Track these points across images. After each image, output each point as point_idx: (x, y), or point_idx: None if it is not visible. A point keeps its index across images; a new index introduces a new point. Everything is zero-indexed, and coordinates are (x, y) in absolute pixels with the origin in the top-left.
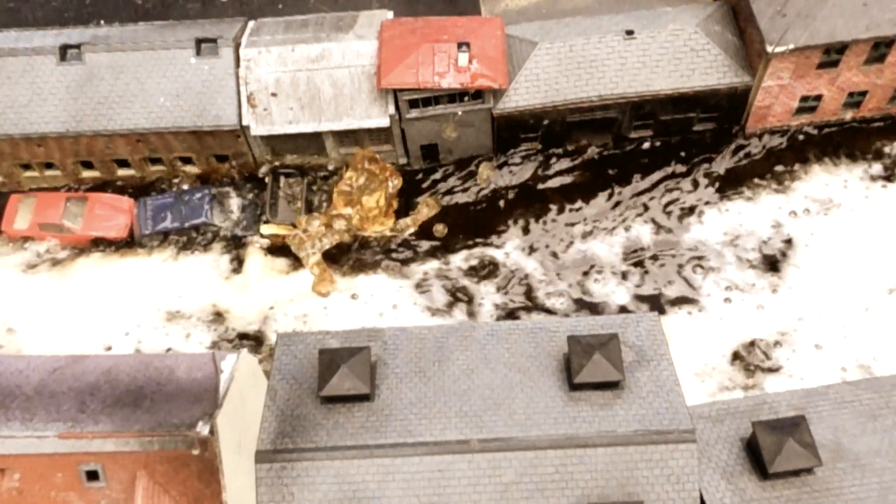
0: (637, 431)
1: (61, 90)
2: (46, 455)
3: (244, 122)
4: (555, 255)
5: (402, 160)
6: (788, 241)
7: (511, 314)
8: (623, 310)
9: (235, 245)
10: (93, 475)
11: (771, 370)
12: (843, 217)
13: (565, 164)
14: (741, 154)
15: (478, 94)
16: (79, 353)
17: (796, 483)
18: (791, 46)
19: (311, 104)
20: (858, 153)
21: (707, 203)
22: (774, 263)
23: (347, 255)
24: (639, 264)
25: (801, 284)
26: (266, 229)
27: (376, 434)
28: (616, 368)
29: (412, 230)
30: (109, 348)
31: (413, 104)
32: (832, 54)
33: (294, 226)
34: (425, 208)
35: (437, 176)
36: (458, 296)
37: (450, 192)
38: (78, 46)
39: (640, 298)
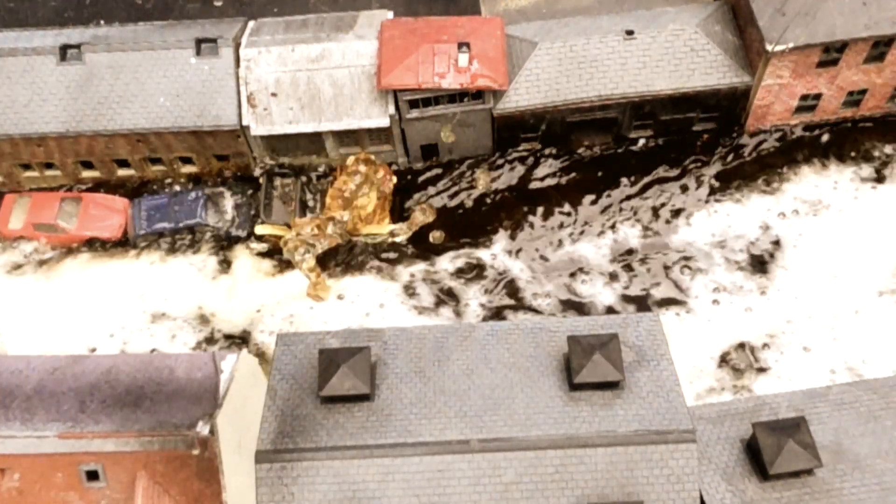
0: (637, 431)
1: (61, 90)
2: (46, 455)
3: (244, 122)
4: (544, 257)
5: (402, 160)
6: (777, 243)
7: (497, 313)
8: (610, 310)
9: (224, 247)
10: (93, 475)
11: (761, 370)
12: (832, 218)
13: (556, 165)
14: (736, 155)
15: (478, 95)
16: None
17: (796, 484)
18: (791, 45)
19: (311, 104)
20: (846, 154)
21: (699, 201)
22: (763, 265)
23: (334, 258)
24: (627, 266)
25: (790, 286)
26: (260, 229)
27: (376, 434)
28: (616, 368)
29: (406, 237)
30: (94, 350)
31: (413, 104)
32: (832, 53)
33: (289, 226)
34: (420, 215)
35: (431, 175)
36: (445, 296)
37: (440, 193)
38: (78, 46)
39: (627, 299)
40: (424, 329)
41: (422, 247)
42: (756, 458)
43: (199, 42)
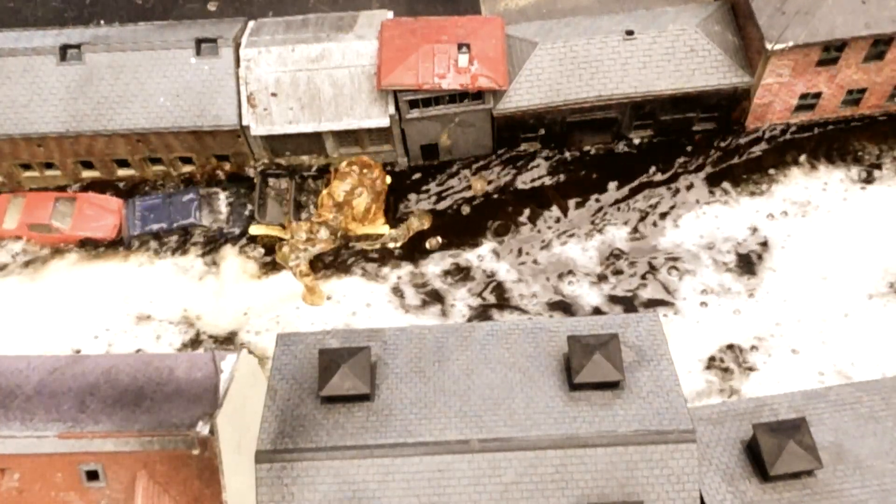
0: (637, 431)
1: (61, 90)
2: (46, 455)
3: (244, 122)
4: (535, 260)
5: (402, 160)
6: (765, 244)
7: (483, 312)
8: (597, 311)
9: (212, 248)
10: (93, 475)
11: (750, 371)
12: (821, 220)
13: (546, 168)
14: (727, 156)
15: (478, 95)
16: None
17: (797, 485)
18: (790, 44)
19: (311, 104)
20: (836, 155)
21: (687, 203)
22: (751, 266)
23: (322, 259)
24: (614, 268)
25: (779, 288)
26: (255, 230)
27: (376, 434)
28: (616, 368)
29: (400, 244)
30: (78, 351)
31: (413, 104)
32: (831, 52)
33: (283, 226)
34: (416, 221)
35: (427, 177)
36: (431, 297)
37: (434, 195)
38: (78, 46)
39: (613, 300)
40: (424, 329)
41: (412, 248)
42: (756, 459)
43: (199, 42)
